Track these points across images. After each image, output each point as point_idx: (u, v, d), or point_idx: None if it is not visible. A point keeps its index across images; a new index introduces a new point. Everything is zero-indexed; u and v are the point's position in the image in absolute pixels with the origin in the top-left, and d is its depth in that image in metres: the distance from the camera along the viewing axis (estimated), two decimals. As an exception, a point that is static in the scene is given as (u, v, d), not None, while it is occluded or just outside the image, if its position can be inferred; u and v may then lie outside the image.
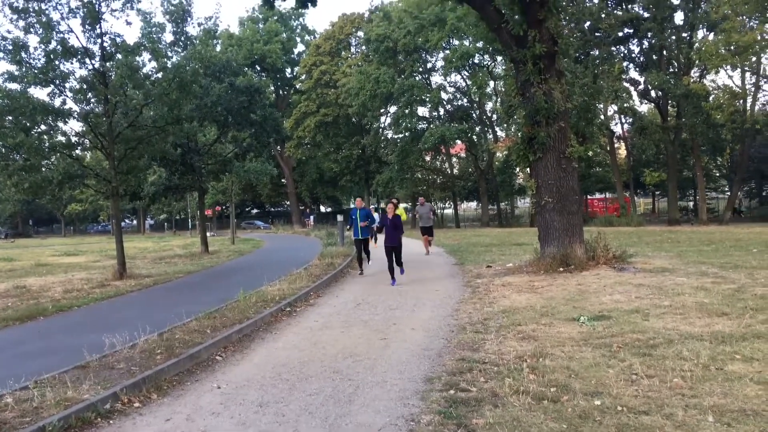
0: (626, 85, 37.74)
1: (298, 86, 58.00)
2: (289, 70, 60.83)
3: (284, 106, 57.36)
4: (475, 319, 8.65)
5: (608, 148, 44.21)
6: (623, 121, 44.62)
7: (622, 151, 49.86)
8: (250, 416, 5.16)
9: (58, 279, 17.31)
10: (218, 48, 35.40)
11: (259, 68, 56.38)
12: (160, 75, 17.26)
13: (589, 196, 54.29)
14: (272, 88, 57.84)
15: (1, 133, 15.53)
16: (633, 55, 38.54)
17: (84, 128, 17.37)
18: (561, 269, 12.19)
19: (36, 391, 5.51)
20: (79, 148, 18.46)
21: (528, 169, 14.30)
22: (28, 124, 15.78)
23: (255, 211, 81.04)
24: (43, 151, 16.17)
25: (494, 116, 47.64)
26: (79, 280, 16.51)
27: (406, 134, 44.81)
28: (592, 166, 47.11)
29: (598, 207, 53.59)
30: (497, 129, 47.95)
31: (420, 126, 45.19)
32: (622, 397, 4.87)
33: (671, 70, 36.54)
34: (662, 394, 4.89)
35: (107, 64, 16.45)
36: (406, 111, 43.31)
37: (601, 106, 37.21)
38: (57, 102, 16.28)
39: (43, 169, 17.06)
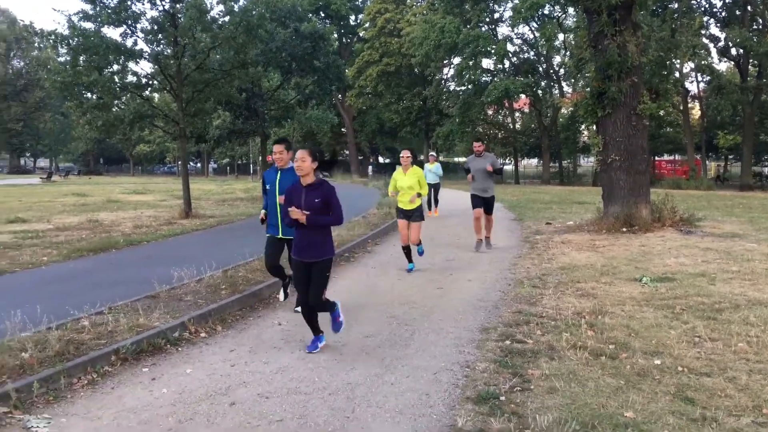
0: (705, 41, 35.76)
1: (361, 34, 57.39)
2: (353, 17, 60.14)
3: (347, 55, 56.98)
4: (532, 274, 8.60)
5: (681, 108, 42.27)
6: (699, 79, 42.46)
7: (696, 112, 47.59)
8: (310, 353, 5.33)
9: (127, 215, 18.04)
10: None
11: (323, 15, 55.94)
12: (227, 18, 17.39)
13: (656, 158, 52.31)
14: (336, 35, 57.40)
15: (76, 71, 15.99)
16: (714, 10, 36.38)
17: (154, 69, 17.77)
18: (624, 229, 11.90)
19: (110, 317, 5.83)
20: (149, 89, 18.92)
21: (595, 126, 13.87)
22: (101, 64, 16.22)
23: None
24: (115, 91, 16.64)
25: (561, 70, 46.10)
26: (147, 217, 17.18)
27: (469, 87, 43.90)
28: (663, 125, 45.18)
29: (666, 169, 51.62)
30: (564, 83, 46.46)
31: (483, 78, 44.14)
32: (683, 358, 4.79)
33: (755, 27, 34.34)
34: (726, 357, 4.78)
35: (177, 5, 16.66)
36: (470, 63, 42.30)
37: (677, 62, 35.43)
38: (129, 42, 16.67)
39: (115, 108, 17.59)
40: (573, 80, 41.76)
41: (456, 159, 63.46)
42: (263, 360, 5.16)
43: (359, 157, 65.92)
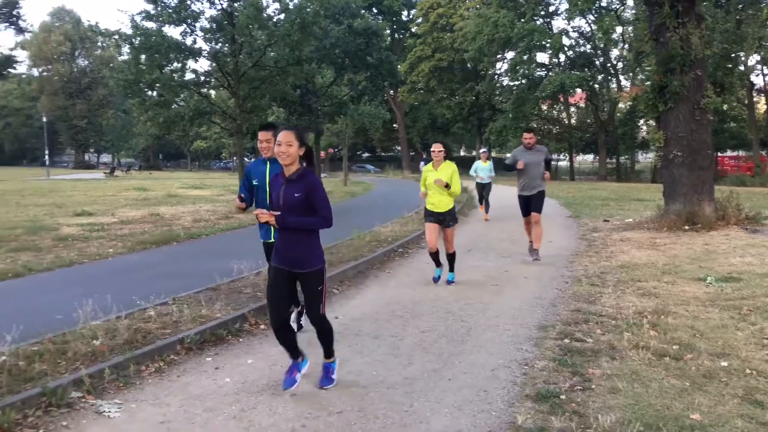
0: (773, 32, 34.27)
1: (413, 30, 57.32)
2: (405, 12, 60.10)
3: (399, 50, 57.00)
4: (591, 272, 8.44)
5: (746, 102, 40.66)
6: (766, 72, 40.73)
7: (761, 106, 45.70)
8: (367, 346, 5.39)
9: (186, 209, 18.55)
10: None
11: (376, 11, 56.08)
12: (282, 16, 17.69)
13: (720, 154, 50.47)
14: (388, 31, 57.54)
15: (138, 69, 16.56)
16: (784, -1, 34.77)
17: (211, 67, 18.24)
18: (686, 227, 11.55)
19: (175, 307, 6.03)
20: (207, 86, 19.41)
21: (655, 121, 13.48)
22: (162, 62, 16.74)
23: (366, 155, 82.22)
24: (175, 88, 17.15)
25: (620, 64, 44.99)
26: (206, 211, 17.62)
27: (523, 81, 43.34)
28: (727, 120, 43.58)
29: (729, 165, 49.73)
30: (622, 77, 45.33)
31: (538, 73, 43.55)
32: (751, 360, 4.63)
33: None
34: (798, 361, 4.60)
35: (235, 4, 17.04)
36: (525, 57, 41.75)
37: (743, 55, 34.08)
38: (188, 41, 17.17)
39: (175, 106, 18.14)
40: (632, 74, 40.70)
41: (509, 155, 62.68)
42: (322, 353, 5.23)
43: (411, 153, 65.87)
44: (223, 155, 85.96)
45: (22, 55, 77.41)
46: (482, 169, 15.79)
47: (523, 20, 41.33)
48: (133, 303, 6.13)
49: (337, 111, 27.86)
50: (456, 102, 53.69)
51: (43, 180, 40.40)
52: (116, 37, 16.28)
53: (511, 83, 47.64)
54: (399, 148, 68.51)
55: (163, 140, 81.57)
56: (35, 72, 79.72)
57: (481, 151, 17.89)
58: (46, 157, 55.56)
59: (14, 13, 61.42)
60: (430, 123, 59.82)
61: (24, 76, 79.45)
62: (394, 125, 64.79)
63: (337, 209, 18.87)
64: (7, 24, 62.78)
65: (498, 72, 52.75)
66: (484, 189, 15.78)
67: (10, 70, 67.40)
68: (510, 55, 45.32)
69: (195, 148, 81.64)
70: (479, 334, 5.69)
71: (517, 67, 42.52)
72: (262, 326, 5.97)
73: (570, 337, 5.40)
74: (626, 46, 42.33)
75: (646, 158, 55.35)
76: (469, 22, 44.53)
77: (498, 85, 52.31)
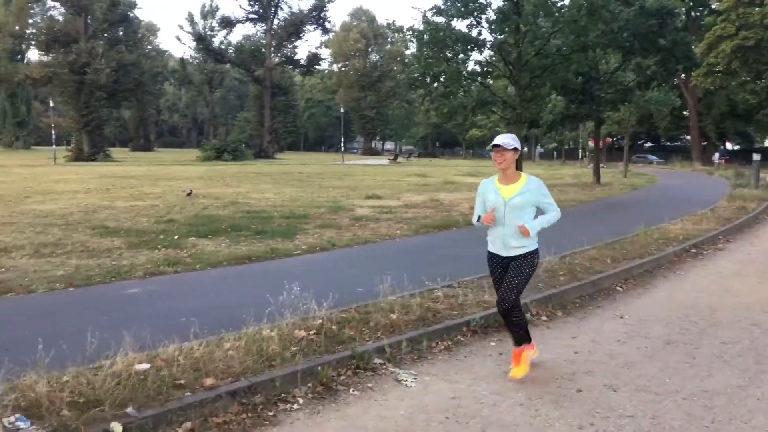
0: None
1: (713, 6, 51.19)
2: (704, -13, 53.97)
3: (695, 30, 51.47)
4: None
5: None
6: None
7: None
8: (658, 351, 5.06)
9: (463, 196, 19.23)
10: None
11: (670, -13, 51.38)
12: (567, 2, 17.23)
13: None
14: (684, 9, 52.30)
15: (426, 63, 17.57)
16: None
17: (494, 57, 18.56)
18: None
19: (459, 290, 6.34)
20: (489, 76, 19.82)
21: None
22: (449, 54, 17.53)
23: (648, 144, 76.27)
24: (460, 79, 17.83)
25: None
26: (482, 199, 18.05)
27: None
28: None
29: None
30: None
31: None
32: None
33: None
34: None
35: (523, -6, 17.08)
36: None
37: None
38: (474, 33, 17.68)
39: (458, 95, 18.87)
40: None
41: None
42: (606, 351, 5.07)
43: (702, 143, 59.33)
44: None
45: (325, 53, 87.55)
46: None
47: None
48: (422, 283, 6.56)
49: (621, 98, 26.26)
50: (763, 86, 46.79)
51: (339, 165, 45.34)
52: (410, 33, 17.49)
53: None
54: (688, 137, 62.22)
55: (440, 129, 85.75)
56: (335, 67, 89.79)
57: None
58: (342, 144, 62.22)
59: (321, 15, 69.80)
60: (729, 110, 53.10)
61: (326, 71, 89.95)
62: (684, 112, 58.88)
63: (617, 202, 18.00)
64: (316, 26, 71.60)
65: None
66: None
67: (315, 66, 76.71)
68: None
69: (470, 137, 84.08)
70: (796, 355, 4.96)
71: None
72: (543, 317, 5.98)
73: None
74: None
75: None
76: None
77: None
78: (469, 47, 17.64)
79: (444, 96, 17.63)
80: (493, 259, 4.58)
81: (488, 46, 17.72)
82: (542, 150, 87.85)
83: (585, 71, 24.01)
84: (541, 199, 4.42)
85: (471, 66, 18.56)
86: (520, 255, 4.42)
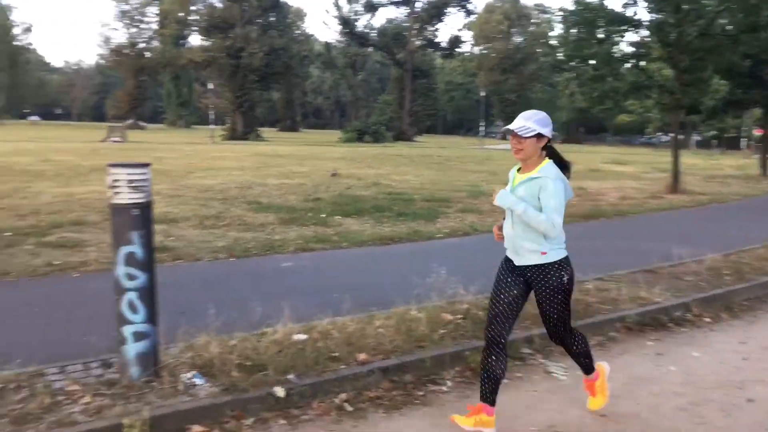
0: None
1: None
2: None
3: None
4: None
5: None
6: None
7: None
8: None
9: (610, 185, 18.33)
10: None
11: None
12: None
13: None
14: None
15: (576, 45, 16.78)
16: None
17: (650, 38, 17.35)
18: None
19: (612, 284, 6.04)
20: (645, 59, 18.58)
21: None
22: (601, 35, 16.60)
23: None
24: (612, 62, 16.86)
25: None
26: (631, 189, 17.13)
27: None
28: None
29: None
30: None
31: None
32: None
33: None
34: None
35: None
36: None
37: None
38: (629, 12, 16.61)
39: (609, 79, 17.85)
40: None
41: None
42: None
43: None
44: (647, 130, 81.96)
45: (466, 35, 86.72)
46: None
47: None
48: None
49: (797, 83, 23.64)
50: None
51: (478, 149, 44.87)
52: (560, 13, 16.76)
53: None
54: None
55: (585, 113, 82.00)
56: (476, 50, 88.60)
57: None
58: (482, 127, 61.43)
59: (465, -3, 69.20)
60: None
61: (467, 54, 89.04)
62: None
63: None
64: (459, 8, 71.08)
65: None
66: None
67: (457, 49, 76.20)
68: None
69: (618, 123, 79.77)
70: None
71: None
72: (707, 319, 5.56)
73: None
74: None
75: None
76: None
77: None
78: (623, 27, 16.61)
79: (594, 80, 16.77)
80: (505, 263, 3.52)
81: (645, 26, 16.57)
82: (699, 138, 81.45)
83: (754, 53, 21.82)
84: (540, 192, 3.24)
85: (624, 48, 17.52)
86: (538, 269, 3.33)
